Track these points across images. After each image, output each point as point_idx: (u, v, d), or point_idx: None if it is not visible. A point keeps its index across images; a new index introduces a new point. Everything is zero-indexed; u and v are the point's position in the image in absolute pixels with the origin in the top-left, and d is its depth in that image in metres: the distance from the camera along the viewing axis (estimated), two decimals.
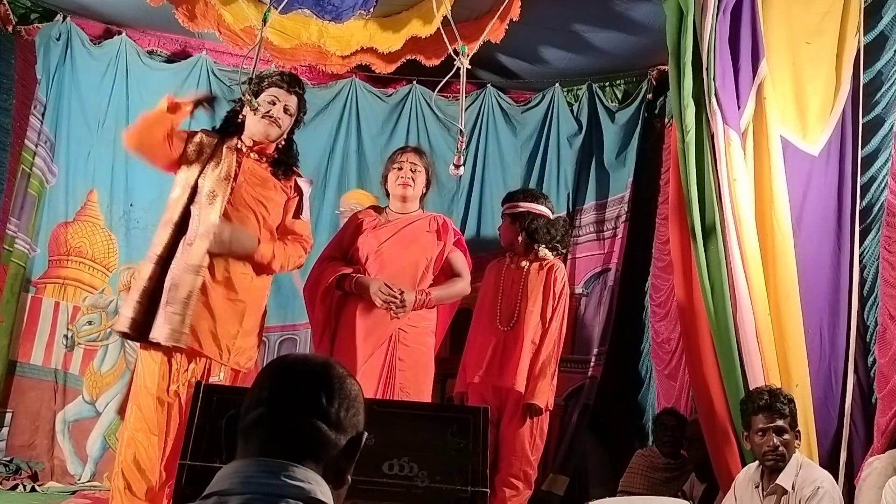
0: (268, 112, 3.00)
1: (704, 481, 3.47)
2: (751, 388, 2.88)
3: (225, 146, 3.01)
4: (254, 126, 3.05)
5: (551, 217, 3.79)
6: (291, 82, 3.09)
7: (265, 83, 3.08)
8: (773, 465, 2.61)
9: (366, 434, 1.16)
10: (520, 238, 3.70)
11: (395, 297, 3.19)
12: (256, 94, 3.04)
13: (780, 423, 2.61)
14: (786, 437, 2.60)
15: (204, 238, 2.87)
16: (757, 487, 2.68)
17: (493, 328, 3.62)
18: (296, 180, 3.19)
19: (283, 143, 3.12)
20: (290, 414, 1.10)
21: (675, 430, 3.80)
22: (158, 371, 2.82)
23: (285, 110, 3.05)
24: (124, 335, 2.92)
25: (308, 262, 3.64)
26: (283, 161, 3.12)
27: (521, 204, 3.73)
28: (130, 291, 2.93)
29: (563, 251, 3.89)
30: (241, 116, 3.08)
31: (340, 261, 3.37)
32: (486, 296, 3.69)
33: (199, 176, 2.95)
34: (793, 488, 2.57)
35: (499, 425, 3.55)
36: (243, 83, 2.94)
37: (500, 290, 3.66)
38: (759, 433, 2.63)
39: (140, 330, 2.82)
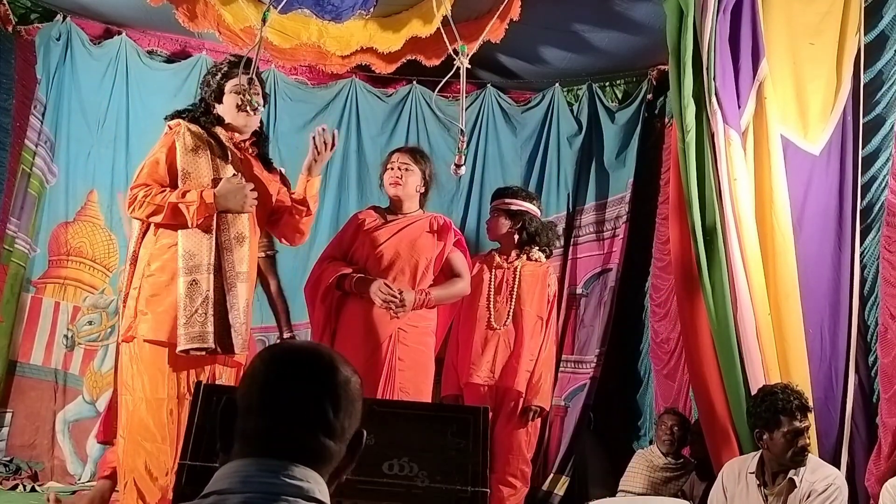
0: (254, 107, 2.89)
1: (705, 480, 3.47)
2: (751, 388, 2.88)
3: (224, 139, 2.93)
4: (232, 119, 2.95)
5: (542, 219, 3.82)
6: (246, 64, 2.90)
7: (219, 76, 2.97)
8: (799, 465, 2.61)
9: (365, 432, 1.15)
10: (516, 237, 3.70)
11: (395, 297, 3.20)
12: (219, 93, 2.95)
13: (807, 423, 2.61)
14: (809, 437, 2.62)
15: (242, 241, 2.84)
16: (760, 486, 2.68)
17: (486, 328, 3.61)
18: (282, 174, 3.13)
19: (258, 128, 3.06)
20: (294, 426, 1.07)
21: (676, 429, 3.79)
22: (169, 377, 2.75)
23: (255, 94, 2.94)
24: (206, 350, 2.73)
25: (309, 262, 3.66)
26: (265, 154, 3.08)
27: (519, 202, 3.73)
28: (187, 304, 2.72)
29: (550, 254, 3.91)
30: (214, 111, 2.97)
31: (340, 261, 3.37)
32: (472, 294, 3.63)
33: (213, 171, 2.85)
34: (799, 483, 2.58)
35: (493, 426, 3.55)
36: (242, 79, 2.88)
37: (491, 289, 3.65)
38: (791, 433, 2.59)
39: (223, 343, 2.75)
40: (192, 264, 2.76)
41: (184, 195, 2.76)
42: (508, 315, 3.61)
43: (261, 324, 4.47)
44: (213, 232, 2.79)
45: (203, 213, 2.75)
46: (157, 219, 2.79)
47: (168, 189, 2.79)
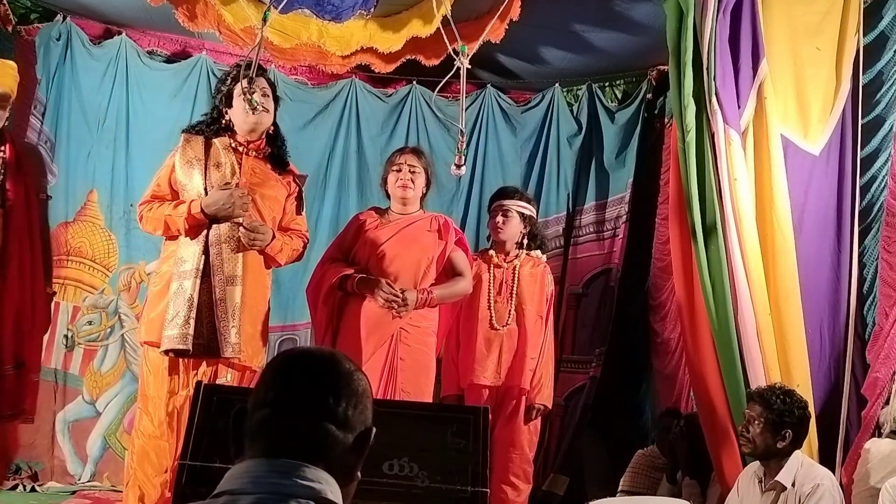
0: (253, 105, 2.92)
1: (695, 479, 3.45)
2: (751, 387, 2.89)
3: (220, 146, 3.01)
4: (241, 122, 3.03)
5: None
6: (247, 65, 2.95)
7: (229, 80, 3.07)
8: (745, 451, 2.73)
9: (374, 430, 1.16)
10: (526, 240, 3.72)
11: (397, 297, 3.20)
12: (228, 97, 3.04)
13: (748, 412, 2.69)
14: (758, 429, 2.64)
15: (234, 245, 2.92)
16: (760, 482, 2.70)
17: (489, 328, 3.61)
18: (294, 174, 3.19)
19: (272, 130, 3.13)
20: (297, 416, 1.09)
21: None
22: (170, 378, 2.84)
23: (264, 95, 3.02)
24: (178, 352, 2.82)
25: (310, 263, 3.66)
26: (278, 154, 3.14)
27: (530, 207, 3.78)
28: (171, 307, 2.84)
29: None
30: (225, 118, 3.07)
31: (342, 262, 3.39)
32: (472, 294, 3.63)
33: (204, 181, 2.96)
34: (793, 486, 2.59)
35: (495, 425, 3.56)
36: (243, 81, 2.91)
37: (491, 289, 3.65)
38: (743, 418, 2.73)
39: (209, 346, 2.83)
40: (182, 269, 2.89)
41: (176, 207, 2.93)
42: (510, 315, 3.62)
43: None
44: (204, 237, 2.91)
45: (191, 223, 2.90)
46: (160, 232, 3.00)
47: (167, 202, 2.98)
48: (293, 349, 1.22)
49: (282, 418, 1.09)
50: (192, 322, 2.81)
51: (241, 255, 2.93)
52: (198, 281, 2.85)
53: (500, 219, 3.71)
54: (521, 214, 3.71)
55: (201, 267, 2.87)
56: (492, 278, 3.66)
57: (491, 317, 3.61)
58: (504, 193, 3.81)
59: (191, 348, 2.80)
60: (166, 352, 2.83)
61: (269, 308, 3.18)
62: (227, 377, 2.89)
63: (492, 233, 3.78)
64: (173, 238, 2.98)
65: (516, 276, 3.66)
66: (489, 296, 3.64)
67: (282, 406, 1.10)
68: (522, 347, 3.60)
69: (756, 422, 2.65)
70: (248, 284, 2.93)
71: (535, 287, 3.68)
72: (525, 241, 3.74)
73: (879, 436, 2.76)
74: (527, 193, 3.96)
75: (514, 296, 3.63)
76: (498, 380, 3.57)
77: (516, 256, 3.71)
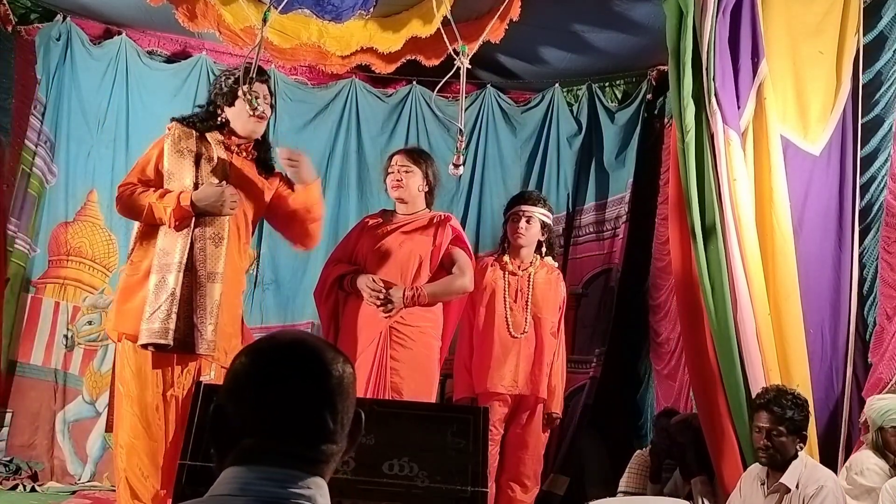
0: (256, 110, 2.89)
1: (687, 479, 3.44)
2: (751, 388, 2.89)
3: (213, 142, 2.96)
4: (241, 125, 2.98)
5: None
6: (258, 72, 2.95)
7: (232, 80, 2.99)
8: (764, 462, 2.67)
9: (362, 414, 1.13)
10: (544, 248, 3.73)
11: (380, 293, 3.20)
12: (231, 97, 2.97)
13: (766, 423, 2.63)
14: (781, 438, 2.60)
15: (219, 242, 2.87)
16: (762, 484, 2.70)
17: (506, 335, 3.61)
18: (281, 176, 3.13)
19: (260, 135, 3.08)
20: (293, 441, 1.06)
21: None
22: (154, 375, 2.79)
23: (266, 101, 2.98)
24: (163, 346, 2.77)
25: (310, 262, 3.66)
26: (263, 159, 3.10)
27: (550, 215, 3.79)
28: (152, 300, 2.77)
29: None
30: (221, 116, 3.00)
31: (345, 262, 3.40)
32: (489, 299, 3.65)
33: (196, 173, 2.91)
34: (797, 487, 2.59)
35: (509, 429, 3.60)
36: (243, 84, 2.90)
37: (507, 296, 3.65)
38: (756, 430, 2.68)
39: (185, 341, 2.78)
40: (164, 262, 2.82)
41: (162, 196, 2.84)
42: (527, 322, 3.62)
43: (260, 324, 4.47)
44: (189, 231, 2.84)
45: (178, 215, 2.81)
46: (138, 217, 2.89)
47: (152, 189, 2.87)
48: (273, 344, 1.13)
49: (278, 444, 1.05)
50: (174, 316, 2.75)
51: (223, 252, 2.87)
52: (181, 275, 2.79)
53: (522, 224, 3.69)
54: (542, 222, 3.73)
55: (185, 261, 2.80)
56: (506, 285, 3.67)
57: (508, 324, 3.62)
58: (528, 199, 3.79)
59: (172, 343, 2.75)
60: (144, 346, 2.77)
61: (242, 309, 3.14)
62: (210, 374, 2.86)
63: (511, 237, 3.75)
64: (151, 227, 2.88)
65: (531, 283, 3.67)
66: (505, 303, 3.64)
67: (276, 431, 1.05)
68: (539, 356, 3.60)
69: (775, 431, 2.62)
70: (227, 283, 2.88)
71: (551, 294, 3.69)
72: (544, 249, 3.76)
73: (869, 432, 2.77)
74: (548, 201, 3.95)
75: (529, 304, 3.63)
76: (515, 388, 3.57)
77: (531, 263, 3.72)
